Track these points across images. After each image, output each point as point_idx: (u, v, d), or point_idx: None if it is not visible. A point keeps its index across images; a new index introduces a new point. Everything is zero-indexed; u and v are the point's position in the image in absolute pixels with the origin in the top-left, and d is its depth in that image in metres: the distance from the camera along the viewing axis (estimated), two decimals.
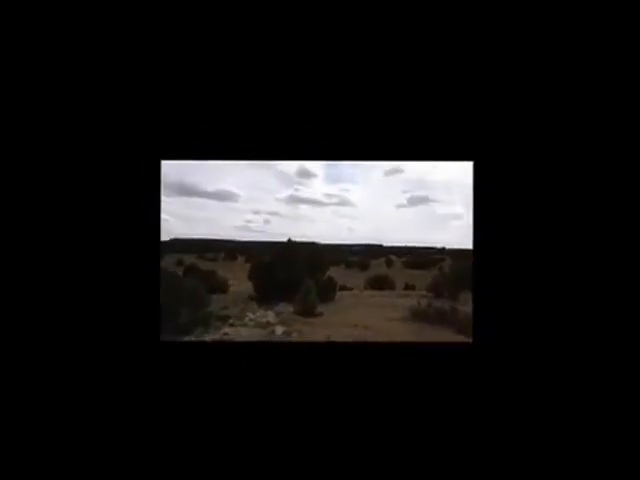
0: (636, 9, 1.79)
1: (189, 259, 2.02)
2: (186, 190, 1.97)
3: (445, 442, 1.78)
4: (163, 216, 1.96)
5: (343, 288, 2.14)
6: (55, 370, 1.73)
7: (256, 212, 2.02)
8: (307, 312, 2.05)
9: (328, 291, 2.10)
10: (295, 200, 2.07)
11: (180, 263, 2.00)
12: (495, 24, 1.82)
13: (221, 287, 2.02)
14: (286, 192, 2.05)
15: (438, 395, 1.81)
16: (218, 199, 1.99)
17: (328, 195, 2.11)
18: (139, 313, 1.77)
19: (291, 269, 2.06)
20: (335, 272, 2.14)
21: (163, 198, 1.95)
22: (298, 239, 2.07)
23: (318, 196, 2.10)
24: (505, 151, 1.87)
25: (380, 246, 2.14)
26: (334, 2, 1.75)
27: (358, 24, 1.80)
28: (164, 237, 1.97)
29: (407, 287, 2.15)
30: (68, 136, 1.74)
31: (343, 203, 2.13)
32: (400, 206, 2.15)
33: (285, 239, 2.08)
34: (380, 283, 2.16)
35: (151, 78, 1.78)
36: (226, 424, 1.82)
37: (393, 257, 2.11)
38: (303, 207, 2.08)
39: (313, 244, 2.06)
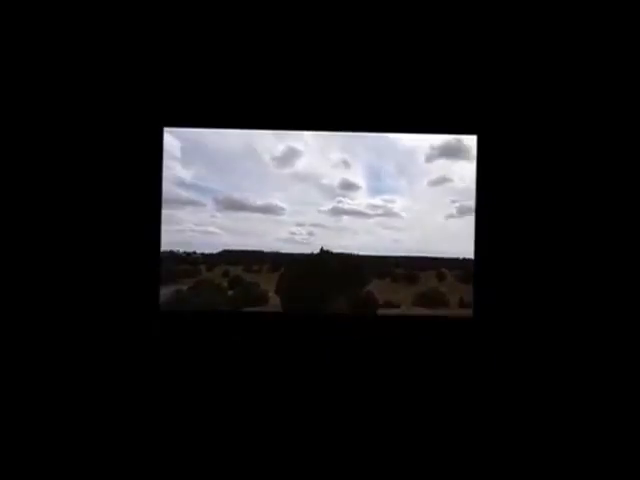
0: None
1: (235, 271, 2.08)
2: (235, 205, 2.08)
3: (442, 417, 1.76)
4: (214, 229, 2.08)
5: (388, 304, 2.02)
6: (55, 340, 1.77)
7: (300, 225, 2.06)
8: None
9: (366, 309, 1.99)
10: (338, 212, 2.07)
11: (226, 274, 2.07)
12: (499, 1, 1.77)
13: (262, 299, 2.03)
14: (329, 204, 2.07)
15: (439, 368, 1.80)
16: (264, 212, 2.07)
17: (372, 206, 2.09)
18: (139, 283, 1.82)
19: (323, 283, 2.01)
20: (380, 286, 2.04)
21: (214, 213, 2.07)
22: (341, 250, 2.05)
23: (362, 208, 2.09)
24: (510, 125, 1.82)
25: (430, 258, 2.02)
26: None
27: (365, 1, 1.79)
28: (214, 249, 2.08)
29: (462, 304, 1.97)
30: (68, 106, 1.78)
31: (388, 214, 2.09)
32: (449, 216, 2.05)
33: (334, 251, 2.06)
34: (431, 299, 2.01)
35: (152, 45, 1.80)
36: (227, 395, 1.78)
37: (444, 270, 1.97)
38: (346, 219, 2.08)
39: (351, 255, 2.01)
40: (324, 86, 1.89)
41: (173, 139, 1.98)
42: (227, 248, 2.08)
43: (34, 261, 1.78)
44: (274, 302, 2.03)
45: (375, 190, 2.09)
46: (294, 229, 2.05)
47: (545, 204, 1.77)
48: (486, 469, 1.71)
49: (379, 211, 2.08)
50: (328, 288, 2.01)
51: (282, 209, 2.07)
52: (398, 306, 2.05)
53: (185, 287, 2.03)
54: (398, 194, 2.08)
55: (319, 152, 2.06)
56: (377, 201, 2.09)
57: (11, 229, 1.77)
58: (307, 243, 2.04)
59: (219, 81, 1.87)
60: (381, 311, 2.02)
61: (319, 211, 2.06)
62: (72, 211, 1.78)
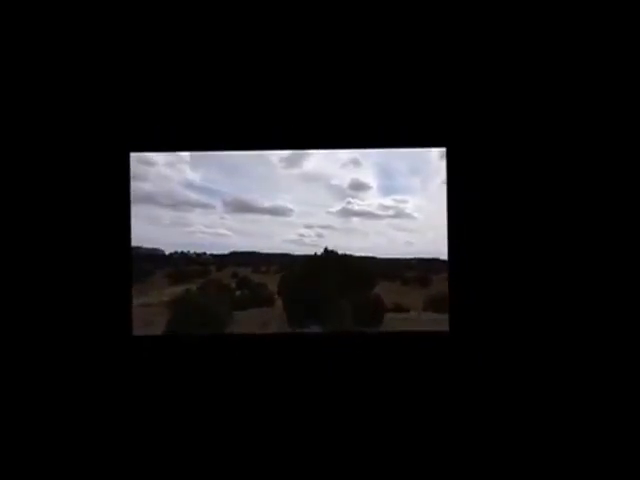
0: None
1: (244, 272, 2.08)
2: (243, 207, 2.08)
3: (420, 429, 1.76)
4: (223, 231, 2.09)
5: (398, 308, 1.95)
6: (24, 366, 1.73)
7: (309, 226, 2.02)
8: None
9: (373, 313, 1.92)
10: (348, 213, 2.02)
11: (235, 275, 2.08)
12: (469, 8, 1.73)
13: (269, 300, 2.02)
14: (339, 205, 2.02)
15: (416, 383, 1.80)
16: (273, 214, 2.05)
17: (383, 207, 2.01)
18: (110, 307, 1.78)
19: (326, 286, 1.95)
20: (389, 289, 1.97)
21: (224, 215, 2.08)
22: (351, 253, 1.99)
23: (372, 208, 2.02)
24: (479, 136, 1.80)
25: (442, 260, 1.92)
26: None
27: (331, 11, 1.75)
28: (224, 250, 2.09)
29: None
30: (32, 127, 1.73)
31: (399, 215, 2.00)
32: None
33: (339, 252, 2.01)
34: (443, 304, 1.91)
35: (118, 67, 1.75)
36: (200, 419, 1.77)
37: None
38: (356, 220, 2.01)
39: (357, 257, 1.94)
40: (285, 103, 1.86)
41: None
42: (236, 249, 2.08)
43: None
44: (281, 303, 2.02)
45: (386, 190, 2.01)
46: (302, 231, 2.02)
47: (518, 212, 1.78)
48: None
49: (390, 212, 2.00)
50: (332, 290, 1.97)
51: (290, 210, 2.04)
52: (408, 310, 1.97)
53: (194, 287, 2.06)
54: (411, 194, 1.99)
55: (328, 151, 2.00)
56: (388, 201, 2.01)
57: None
58: (316, 245, 2.01)
59: (187, 105, 1.82)
60: (389, 315, 1.96)
61: (328, 212, 2.01)
62: (39, 236, 1.75)
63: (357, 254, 1.98)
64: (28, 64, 1.73)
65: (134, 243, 1.94)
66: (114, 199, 1.84)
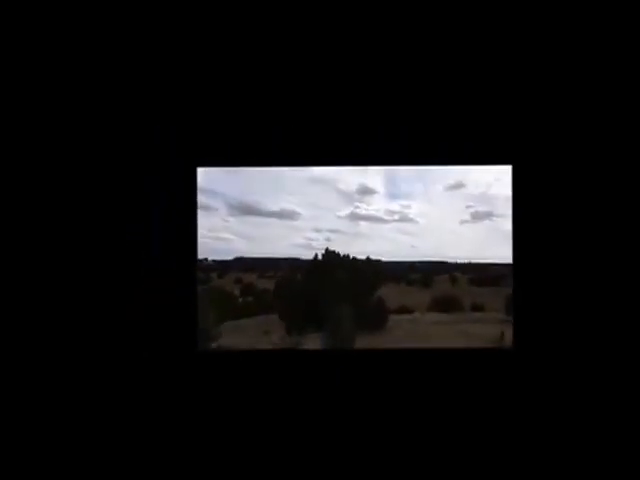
0: None
1: (249, 277, 2.01)
2: (248, 209, 1.99)
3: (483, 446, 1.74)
4: (227, 235, 1.98)
5: (403, 309, 2.04)
6: (89, 382, 1.73)
7: (317, 230, 2.01)
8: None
9: (376, 317, 1.95)
10: (356, 217, 2.04)
11: (239, 281, 1.99)
12: (533, 27, 1.77)
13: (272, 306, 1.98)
14: (347, 210, 2.03)
15: (478, 401, 1.78)
16: (280, 218, 2.00)
17: (389, 212, 2.07)
18: (175, 323, 1.77)
19: (327, 289, 1.96)
20: (395, 290, 2.05)
21: (227, 218, 1.97)
22: (358, 257, 2.02)
23: (379, 213, 2.06)
24: (545, 154, 1.82)
25: (443, 263, 2.05)
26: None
27: (393, 25, 1.78)
28: (228, 256, 1.98)
29: (475, 308, 2.03)
30: (99, 143, 1.77)
31: (404, 220, 2.08)
32: (463, 222, 2.07)
33: (341, 255, 2.03)
34: (445, 304, 2.05)
35: (185, 85, 1.79)
36: (265, 436, 1.75)
37: (457, 274, 2.01)
38: (364, 224, 2.05)
39: (359, 260, 1.98)
40: (352, 120, 1.84)
41: None
42: (240, 255, 1.99)
43: (74, 300, 1.75)
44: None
45: (392, 195, 2.07)
46: (311, 235, 2.00)
47: (584, 236, 1.78)
48: None
49: (396, 217, 2.07)
50: (332, 294, 1.98)
51: (298, 214, 2.00)
52: (412, 311, 2.07)
53: None
54: (414, 199, 2.07)
55: None
56: (394, 206, 2.07)
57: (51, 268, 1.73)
58: (324, 249, 2.00)
59: (250, 122, 1.83)
60: (393, 317, 2.03)
61: (337, 216, 2.01)
62: (105, 248, 1.78)
63: (363, 257, 2.02)
64: (101, 84, 1.75)
65: None
66: (182, 212, 1.78)
